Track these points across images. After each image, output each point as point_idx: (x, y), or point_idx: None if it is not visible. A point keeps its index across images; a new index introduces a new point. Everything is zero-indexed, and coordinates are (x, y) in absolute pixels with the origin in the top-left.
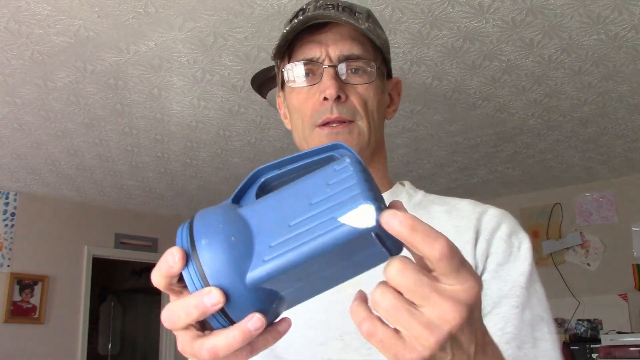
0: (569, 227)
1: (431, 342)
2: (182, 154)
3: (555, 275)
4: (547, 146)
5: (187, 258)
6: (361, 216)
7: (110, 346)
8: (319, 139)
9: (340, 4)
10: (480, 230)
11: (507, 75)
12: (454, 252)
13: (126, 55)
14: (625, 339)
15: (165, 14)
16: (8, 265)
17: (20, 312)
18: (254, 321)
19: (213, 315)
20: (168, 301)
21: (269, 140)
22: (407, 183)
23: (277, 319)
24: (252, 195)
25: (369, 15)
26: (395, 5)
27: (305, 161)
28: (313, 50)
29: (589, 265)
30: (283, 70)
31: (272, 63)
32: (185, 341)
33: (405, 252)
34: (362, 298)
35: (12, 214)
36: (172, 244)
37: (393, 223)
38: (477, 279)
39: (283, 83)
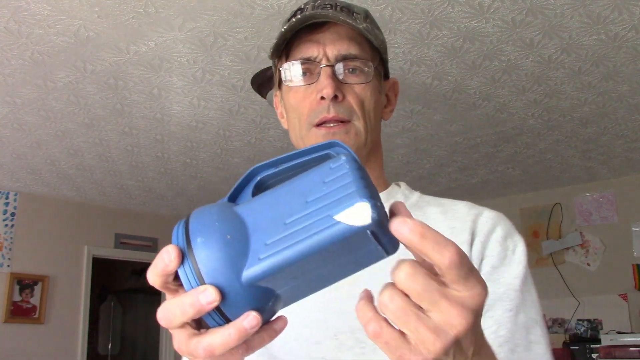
0: (569, 227)
1: (437, 347)
2: (182, 154)
3: (555, 275)
4: (547, 146)
5: (183, 256)
6: (357, 214)
7: (110, 346)
8: (316, 138)
9: (338, 4)
10: (476, 232)
11: (507, 75)
12: (463, 260)
13: (126, 55)
14: (625, 339)
15: (165, 14)
16: (8, 265)
17: (20, 312)
18: (250, 319)
19: (209, 313)
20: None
21: (269, 140)
22: (402, 184)
23: (273, 317)
24: (249, 194)
25: (367, 16)
26: (395, 5)
27: (301, 159)
28: (311, 50)
29: (589, 265)
30: (280, 69)
31: None
32: (181, 340)
33: (402, 250)
34: (369, 297)
35: (12, 214)
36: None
37: (403, 230)
38: (484, 286)
39: (280, 82)
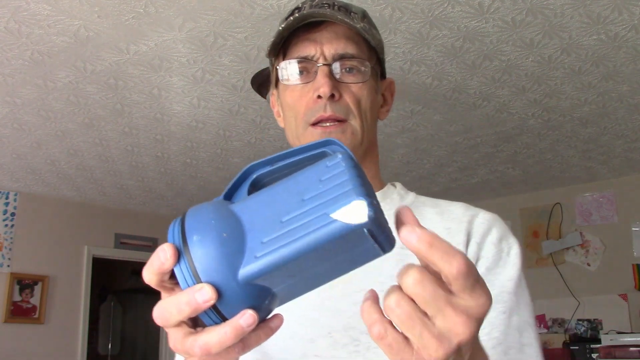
0: (569, 227)
1: (439, 353)
2: (182, 154)
3: (555, 275)
4: (547, 146)
5: (179, 255)
6: (354, 212)
7: (110, 346)
8: (312, 138)
9: (336, 3)
10: (472, 233)
11: (507, 75)
12: (470, 270)
13: (126, 55)
14: (625, 339)
15: (165, 14)
16: (8, 265)
17: (20, 312)
18: (246, 318)
19: (205, 312)
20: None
21: (269, 140)
22: (398, 184)
23: (269, 316)
24: (244, 192)
25: (364, 16)
26: (395, 5)
27: (297, 157)
28: (308, 49)
29: (589, 265)
30: (277, 67)
31: None
32: (177, 338)
33: (398, 248)
34: (375, 298)
35: (12, 214)
36: None
37: (411, 239)
38: (489, 296)
39: (277, 81)
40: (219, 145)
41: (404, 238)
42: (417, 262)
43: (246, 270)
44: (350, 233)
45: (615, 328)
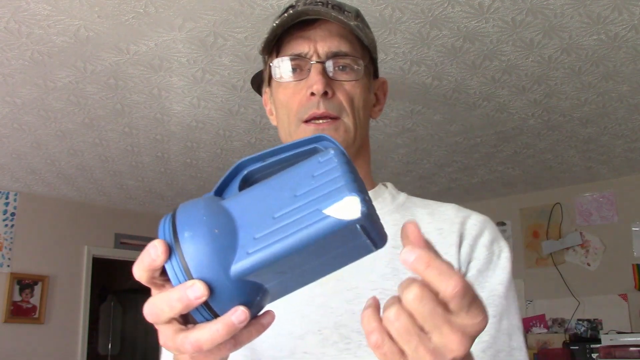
0: (569, 227)
1: None
2: (182, 154)
3: (555, 275)
4: (547, 146)
5: (170, 251)
6: (346, 208)
7: (110, 346)
8: (305, 135)
9: (329, 2)
10: (464, 234)
11: (507, 75)
12: (466, 290)
13: (126, 55)
14: (625, 339)
15: (165, 14)
16: (8, 265)
17: (20, 312)
18: (238, 314)
19: (197, 308)
20: None
21: (269, 140)
22: (389, 184)
23: (261, 312)
24: (235, 188)
25: (358, 15)
26: (395, 5)
27: (288, 153)
28: (301, 46)
29: (589, 265)
30: (270, 65)
31: None
32: (167, 335)
33: (390, 247)
34: (375, 306)
35: (12, 214)
36: None
37: (409, 258)
38: (485, 315)
39: (270, 78)
40: (219, 145)
41: (403, 257)
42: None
43: (238, 266)
44: (343, 229)
45: (615, 328)
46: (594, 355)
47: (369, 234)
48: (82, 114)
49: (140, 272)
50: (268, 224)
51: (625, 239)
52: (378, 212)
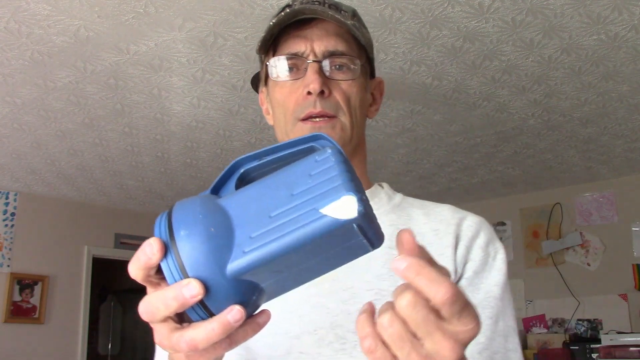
0: (569, 227)
1: None
2: (182, 154)
3: (555, 275)
4: (547, 146)
5: (166, 249)
6: (343, 207)
7: (110, 346)
8: (301, 133)
9: (326, 1)
10: (460, 236)
11: (507, 75)
12: (457, 297)
13: (126, 55)
14: (625, 339)
15: (165, 14)
16: (8, 265)
17: (20, 312)
18: (234, 313)
19: (192, 307)
20: None
21: (269, 140)
22: (385, 185)
23: (257, 311)
24: (232, 186)
25: (355, 14)
26: (395, 5)
27: (285, 152)
28: (298, 45)
29: (589, 265)
30: (267, 64)
31: None
32: (163, 334)
33: (386, 248)
34: (371, 312)
35: (12, 214)
36: None
37: (400, 266)
38: (478, 322)
39: (267, 78)
40: (219, 145)
41: (394, 265)
42: None
43: (234, 265)
44: (339, 228)
45: (615, 328)
46: (594, 355)
47: (365, 233)
48: (82, 114)
49: (136, 270)
50: (264, 222)
51: (625, 239)
52: (374, 212)
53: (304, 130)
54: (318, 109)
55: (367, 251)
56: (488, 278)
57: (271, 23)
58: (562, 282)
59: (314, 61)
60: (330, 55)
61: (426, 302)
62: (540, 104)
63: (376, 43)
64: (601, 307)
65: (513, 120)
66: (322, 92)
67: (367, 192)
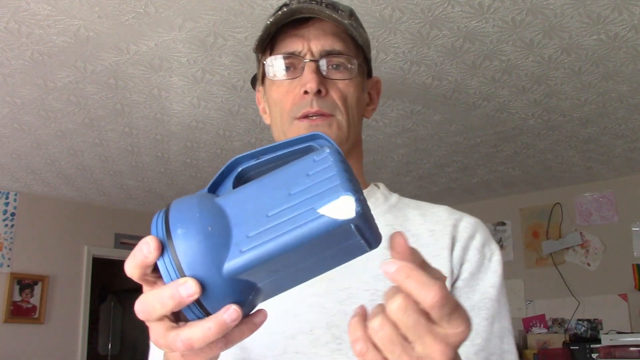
0: (569, 227)
1: None
2: (182, 154)
3: (555, 275)
4: (547, 146)
5: (163, 248)
6: (341, 207)
7: (110, 346)
8: (298, 131)
9: (323, 1)
10: (457, 237)
11: (507, 75)
12: (445, 300)
13: (126, 55)
14: (625, 339)
15: (165, 14)
16: (8, 265)
17: (20, 312)
18: (230, 313)
19: (188, 306)
20: None
21: (269, 140)
22: (381, 185)
23: (253, 311)
24: (229, 185)
25: (352, 14)
26: (395, 5)
27: (283, 151)
28: (295, 44)
29: (589, 265)
30: (264, 63)
31: None
32: (159, 332)
33: (383, 249)
34: (362, 315)
35: (12, 214)
36: None
37: (390, 269)
38: (468, 324)
39: (264, 77)
40: (219, 145)
41: (384, 268)
42: None
43: (231, 264)
44: (337, 228)
45: (615, 328)
46: (594, 355)
47: (363, 234)
48: (82, 114)
49: (132, 268)
50: (262, 222)
51: (625, 239)
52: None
53: (301, 128)
54: (315, 108)
55: (364, 251)
56: (484, 279)
57: (268, 22)
58: (562, 282)
59: (311, 60)
60: (327, 54)
61: (417, 305)
62: (540, 104)
63: (376, 43)
64: (601, 307)
65: (513, 120)
66: (319, 92)
67: (364, 193)
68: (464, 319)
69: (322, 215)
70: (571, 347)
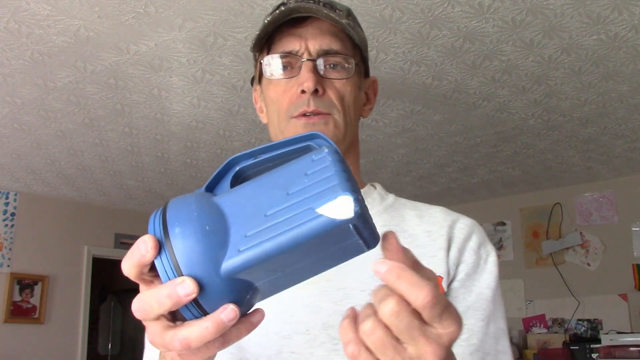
0: (569, 227)
1: None
2: (182, 154)
3: (555, 275)
4: (547, 146)
5: (160, 247)
6: (340, 207)
7: (110, 346)
8: (295, 129)
9: (321, 0)
10: (453, 238)
11: (507, 75)
12: (437, 301)
13: (126, 55)
14: (625, 339)
15: (165, 14)
16: (8, 265)
17: (20, 312)
18: (228, 312)
19: (186, 305)
20: None
21: (269, 140)
22: (378, 185)
23: (250, 310)
24: (227, 184)
25: (349, 13)
26: (395, 5)
27: (281, 150)
28: (292, 44)
29: (589, 265)
30: (261, 62)
31: None
32: (155, 332)
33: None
34: (353, 317)
35: (12, 214)
36: None
37: (381, 269)
38: (459, 324)
39: (261, 76)
40: (219, 145)
41: (375, 268)
42: None
43: (229, 264)
44: (335, 228)
45: (615, 328)
46: (594, 355)
47: (361, 234)
48: (82, 114)
49: (129, 267)
50: (260, 221)
51: (625, 239)
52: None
53: (298, 126)
54: (312, 107)
55: (362, 251)
56: (480, 280)
57: (266, 21)
58: (562, 282)
59: (308, 60)
60: (325, 54)
61: (410, 308)
62: (540, 104)
63: (376, 43)
64: (601, 307)
65: (513, 120)
66: (316, 91)
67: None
68: (455, 319)
69: (321, 215)
70: (571, 347)
